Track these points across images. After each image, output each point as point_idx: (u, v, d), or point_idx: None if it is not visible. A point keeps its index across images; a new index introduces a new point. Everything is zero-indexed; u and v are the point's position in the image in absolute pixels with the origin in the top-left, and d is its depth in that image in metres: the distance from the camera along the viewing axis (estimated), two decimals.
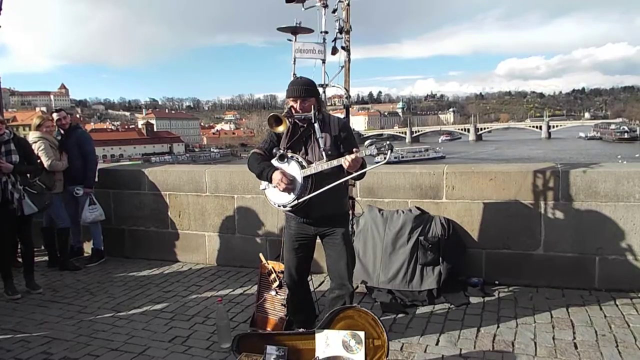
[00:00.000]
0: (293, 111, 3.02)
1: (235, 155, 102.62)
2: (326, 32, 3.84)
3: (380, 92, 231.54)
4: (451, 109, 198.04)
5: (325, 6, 3.77)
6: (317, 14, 3.81)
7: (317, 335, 2.90)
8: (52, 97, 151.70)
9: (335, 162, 2.85)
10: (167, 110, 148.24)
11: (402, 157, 61.23)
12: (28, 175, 4.71)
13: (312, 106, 2.99)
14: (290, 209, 3.02)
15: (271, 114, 3.02)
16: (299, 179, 2.93)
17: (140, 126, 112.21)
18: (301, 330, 3.16)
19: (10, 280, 4.60)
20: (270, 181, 3.00)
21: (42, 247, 5.69)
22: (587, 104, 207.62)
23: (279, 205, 3.06)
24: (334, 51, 3.82)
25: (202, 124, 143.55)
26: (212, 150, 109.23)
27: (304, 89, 3.02)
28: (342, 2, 3.75)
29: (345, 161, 2.78)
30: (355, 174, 2.86)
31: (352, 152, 2.80)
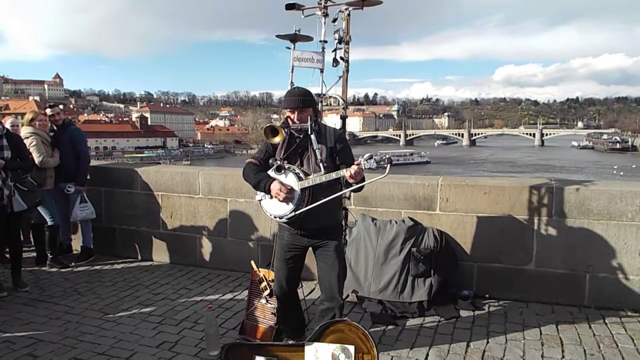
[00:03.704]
0: (290, 122, 3.00)
1: (228, 152, 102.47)
2: (325, 41, 3.82)
3: (376, 94, 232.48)
4: (446, 114, 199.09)
5: (326, 15, 3.74)
6: (317, 22, 3.79)
7: (306, 347, 2.88)
8: (46, 86, 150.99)
9: (334, 175, 2.82)
10: (162, 104, 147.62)
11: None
12: (19, 171, 4.65)
13: (309, 117, 2.97)
14: (287, 221, 2.99)
15: (267, 125, 3.00)
16: (297, 190, 2.91)
17: (134, 119, 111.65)
18: (291, 342, 3.15)
19: None
20: (268, 192, 2.97)
21: (32, 243, 5.62)
22: (581, 113, 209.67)
23: (275, 217, 3.02)
24: (335, 63, 3.80)
25: (196, 119, 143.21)
26: (205, 146, 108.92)
27: (301, 100, 2.99)
28: (343, 12, 3.73)
29: (348, 172, 2.74)
30: (355, 186, 2.83)
31: (351, 164, 2.77)
